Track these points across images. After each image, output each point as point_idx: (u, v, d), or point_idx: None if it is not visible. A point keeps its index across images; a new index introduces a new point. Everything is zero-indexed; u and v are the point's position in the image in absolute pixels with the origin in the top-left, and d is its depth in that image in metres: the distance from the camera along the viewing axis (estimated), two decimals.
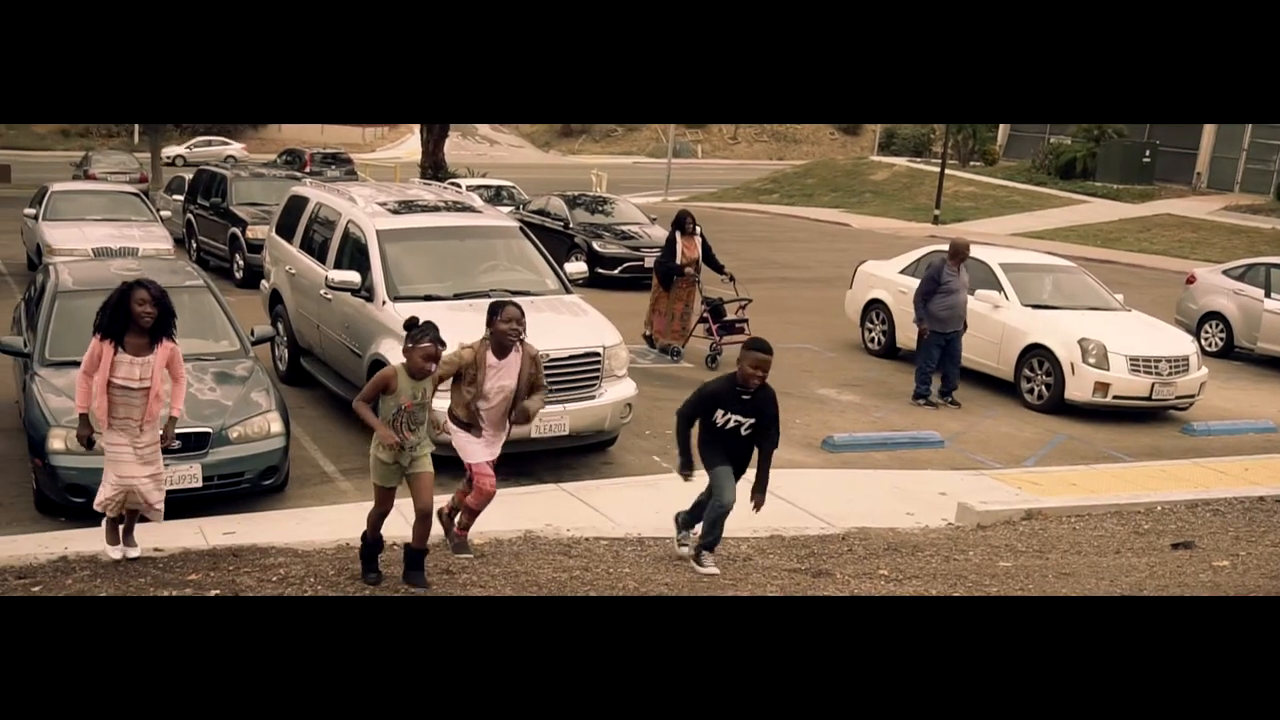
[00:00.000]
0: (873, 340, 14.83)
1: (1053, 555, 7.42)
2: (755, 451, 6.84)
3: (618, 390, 9.40)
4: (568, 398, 9.01)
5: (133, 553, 6.65)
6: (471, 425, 6.96)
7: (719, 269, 13.85)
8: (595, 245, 19.53)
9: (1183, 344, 12.44)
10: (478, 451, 7.00)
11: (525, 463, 8.92)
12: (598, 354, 9.25)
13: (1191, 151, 42.44)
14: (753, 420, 6.73)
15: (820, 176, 45.47)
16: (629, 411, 9.50)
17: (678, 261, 13.57)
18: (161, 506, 6.72)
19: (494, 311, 6.87)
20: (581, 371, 9.16)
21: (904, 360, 14.14)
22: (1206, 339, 16.37)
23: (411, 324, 6.32)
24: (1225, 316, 16.39)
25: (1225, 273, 17.00)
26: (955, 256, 12.17)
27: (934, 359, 12.15)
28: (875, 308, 14.81)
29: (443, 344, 6.32)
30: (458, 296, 9.61)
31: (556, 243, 18.85)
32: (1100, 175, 41.03)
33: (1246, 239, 30.74)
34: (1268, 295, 15.93)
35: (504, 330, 6.79)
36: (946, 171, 37.48)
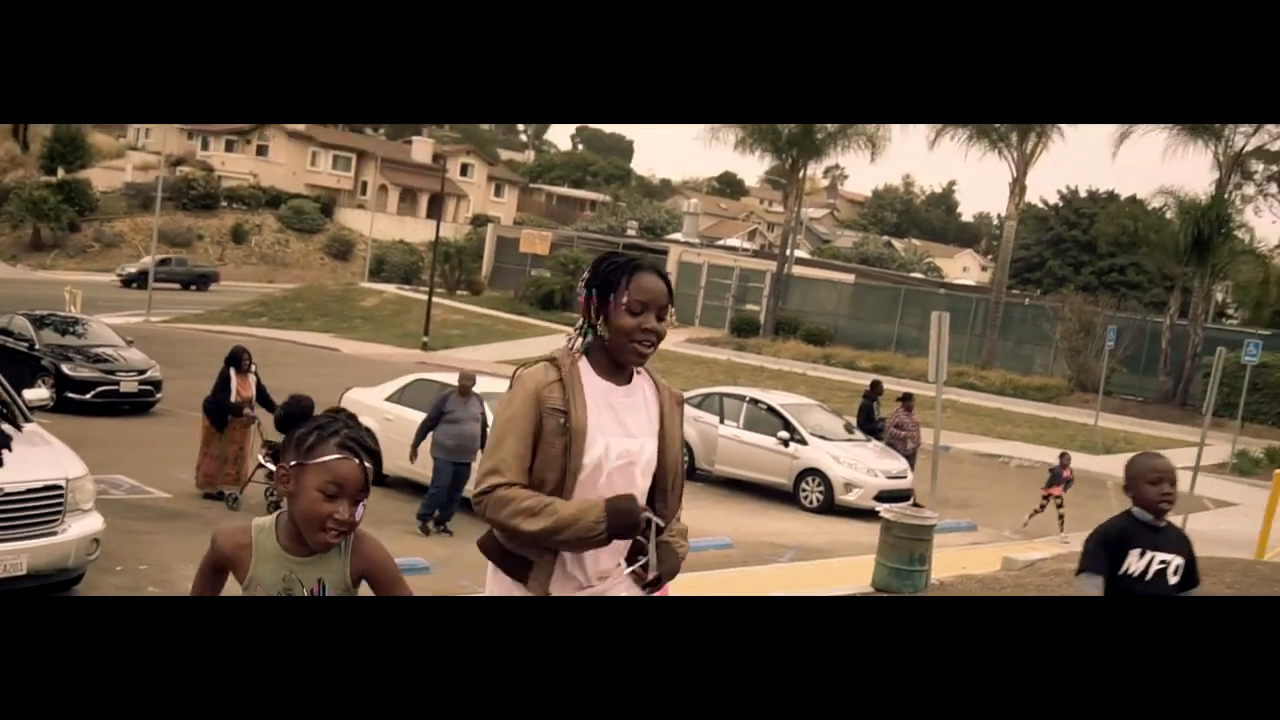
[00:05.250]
0: None
1: None
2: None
3: (83, 525, 8.79)
4: (26, 534, 8.33)
5: None
6: (523, 559, 3.39)
7: (275, 410, 13.22)
8: (65, 368, 18.22)
9: None
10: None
11: None
12: (60, 487, 8.63)
13: None
14: (1181, 560, 4.80)
15: (310, 301, 45.07)
16: (96, 548, 8.92)
17: (233, 400, 12.92)
18: None
19: (617, 272, 3.41)
20: (42, 506, 8.51)
21: (391, 487, 14.20)
22: None
23: (295, 412, 2.89)
24: (687, 442, 17.79)
25: (685, 401, 18.52)
26: (461, 388, 12.48)
27: (444, 486, 12.30)
28: None
29: (373, 455, 2.83)
30: None
31: (20, 365, 17.45)
32: (576, 306, 43.50)
33: (706, 369, 33.60)
34: (721, 421, 17.49)
35: (631, 332, 3.37)
36: (435, 300, 38.35)
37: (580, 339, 3.50)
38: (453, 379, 13.26)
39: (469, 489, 3.79)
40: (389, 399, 14.66)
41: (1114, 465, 21.15)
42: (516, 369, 3.50)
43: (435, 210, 51.71)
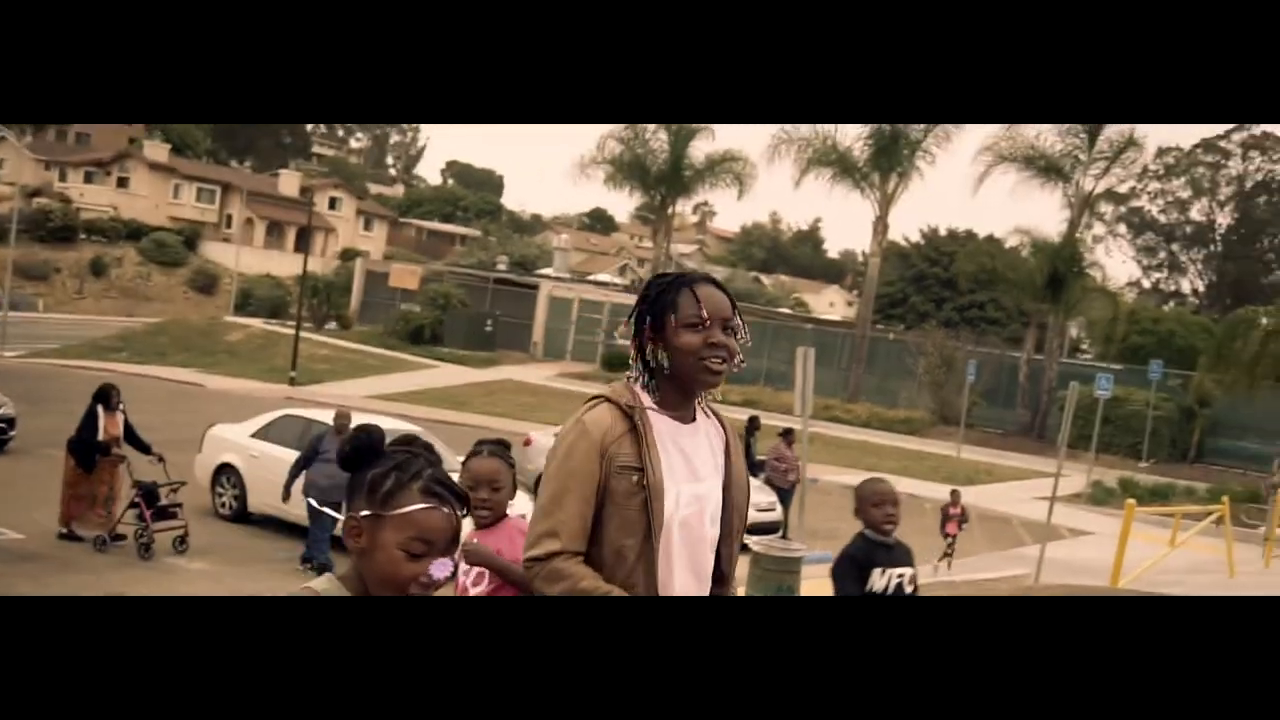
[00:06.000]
0: (224, 505, 14.50)
1: None
2: None
3: None
4: None
5: None
6: None
7: (145, 449, 12.71)
8: None
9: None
10: None
11: None
12: None
13: (528, 322, 45.98)
14: (912, 571, 5.16)
15: (173, 335, 44.03)
16: None
17: (101, 439, 12.40)
18: None
19: (669, 290, 3.00)
20: None
21: (257, 525, 13.95)
22: None
23: (364, 447, 2.30)
24: None
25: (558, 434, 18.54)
26: (337, 427, 12.26)
27: (326, 525, 11.88)
28: (226, 472, 14.52)
29: (464, 500, 2.38)
30: None
31: None
32: (447, 341, 43.31)
33: (578, 404, 33.49)
34: None
35: (697, 350, 2.94)
36: (303, 334, 37.76)
37: (639, 377, 3.08)
38: (321, 415, 13.11)
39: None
40: (255, 435, 14.42)
41: (976, 496, 21.71)
42: (583, 411, 3.12)
43: (303, 244, 51.02)
